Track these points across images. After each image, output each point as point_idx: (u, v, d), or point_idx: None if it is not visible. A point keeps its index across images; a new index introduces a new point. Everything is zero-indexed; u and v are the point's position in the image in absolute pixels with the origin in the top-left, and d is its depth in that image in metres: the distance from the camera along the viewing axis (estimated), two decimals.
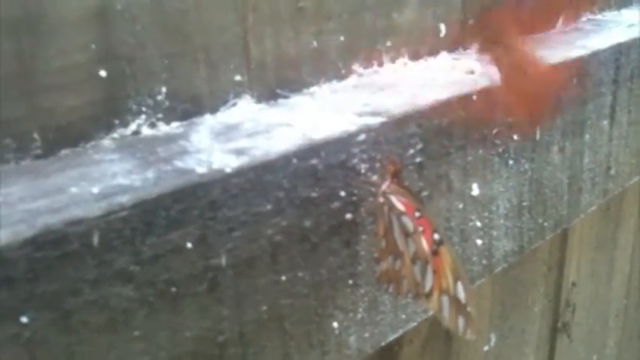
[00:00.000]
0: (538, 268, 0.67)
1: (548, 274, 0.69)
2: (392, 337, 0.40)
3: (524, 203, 0.48)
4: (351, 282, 0.36)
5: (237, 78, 0.38)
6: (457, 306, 0.33)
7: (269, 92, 0.39)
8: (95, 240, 0.26)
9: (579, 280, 0.74)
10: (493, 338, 0.63)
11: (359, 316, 0.37)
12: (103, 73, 0.32)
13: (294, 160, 0.32)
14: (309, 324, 0.35)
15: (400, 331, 0.40)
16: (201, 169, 0.29)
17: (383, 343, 0.39)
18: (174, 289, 0.29)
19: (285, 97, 0.40)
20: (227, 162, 0.30)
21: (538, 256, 0.66)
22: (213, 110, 0.37)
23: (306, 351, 0.35)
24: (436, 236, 0.33)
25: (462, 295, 0.33)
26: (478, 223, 0.44)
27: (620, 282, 0.84)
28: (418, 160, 0.38)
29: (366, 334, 0.38)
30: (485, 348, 0.63)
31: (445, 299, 0.33)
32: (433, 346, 0.56)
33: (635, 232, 0.84)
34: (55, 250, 0.25)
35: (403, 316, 0.40)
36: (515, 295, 0.65)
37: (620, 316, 0.87)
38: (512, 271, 0.62)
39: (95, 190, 0.27)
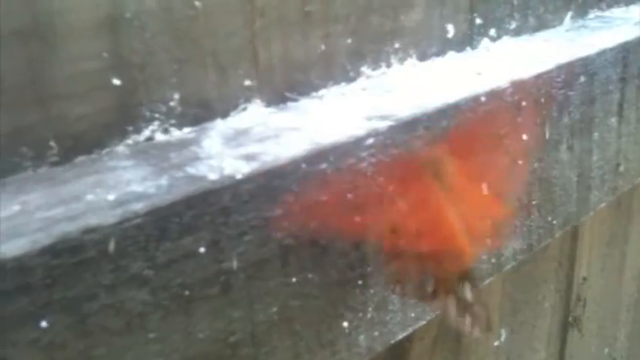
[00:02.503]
0: (549, 263, 0.68)
1: (559, 270, 0.69)
2: (401, 336, 0.40)
3: (534, 202, 0.48)
4: (360, 282, 0.37)
5: (247, 82, 0.38)
6: (464, 305, 0.34)
7: (278, 96, 0.40)
8: (111, 247, 0.27)
9: (590, 275, 0.75)
10: (504, 334, 0.64)
11: (368, 315, 0.38)
12: (115, 81, 0.33)
13: (304, 165, 0.33)
14: (319, 324, 0.35)
15: (410, 330, 0.41)
16: (212, 176, 0.30)
17: (392, 342, 0.40)
18: (187, 293, 0.29)
19: (294, 100, 0.41)
20: (238, 168, 0.31)
21: (549, 252, 0.66)
22: (224, 115, 0.38)
23: (316, 351, 0.36)
24: None
25: (468, 294, 0.34)
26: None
27: (631, 276, 0.84)
28: None
29: (376, 333, 0.39)
30: (496, 343, 0.63)
31: (451, 299, 0.34)
32: (444, 342, 0.56)
33: None
34: (72, 258, 0.26)
35: (412, 315, 0.41)
36: (525, 291, 0.65)
37: (631, 310, 0.87)
38: (522, 267, 0.63)
39: (111, 197, 0.28)
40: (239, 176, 0.30)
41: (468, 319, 0.34)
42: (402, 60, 0.46)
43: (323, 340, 0.36)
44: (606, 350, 0.84)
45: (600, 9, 0.63)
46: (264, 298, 0.33)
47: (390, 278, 0.36)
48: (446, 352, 0.57)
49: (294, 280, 0.34)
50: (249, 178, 0.30)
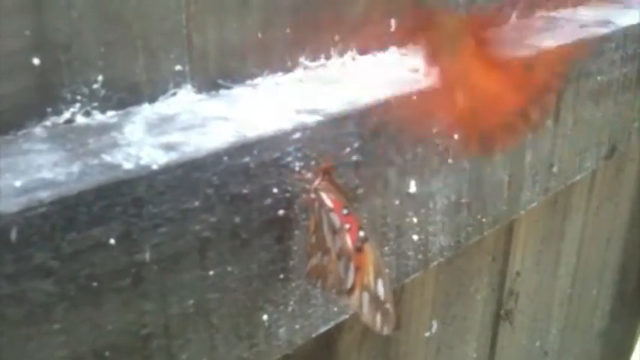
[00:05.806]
0: (483, 257, 0.69)
1: (493, 264, 0.70)
2: (323, 329, 0.41)
3: (463, 200, 0.49)
4: (282, 276, 0.37)
5: (178, 67, 0.37)
6: (376, 302, 0.34)
7: (211, 83, 0.39)
8: (13, 235, 0.26)
9: (524, 270, 0.76)
10: (435, 325, 0.65)
11: (290, 309, 0.38)
12: (36, 61, 0.32)
13: (225, 158, 0.32)
14: (237, 317, 0.35)
15: (332, 324, 0.41)
16: (127, 165, 0.29)
17: (314, 335, 0.40)
18: (95, 284, 0.29)
19: (228, 87, 0.40)
20: (155, 158, 0.30)
21: (483, 247, 0.67)
22: (152, 99, 0.37)
23: (233, 343, 0.35)
24: (361, 233, 0.34)
25: (381, 291, 0.34)
26: (415, 219, 0.45)
27: (565, 272, 0.86)
28: (355, 158, 0.39)
29: (297, 326, 0.39)
30: (427, 334, 0.64)
31: (366, 295, 0.34)
32: (373, 333, 0.57)
33: (582, 225, 0.86)
34: None
35: (335, 309, 0.41)
36: (458, 284, 0.66)
37: (564, 305, 0.89)
38: (456, 260, 0.64)
39: (17, 183, 0.27)
40: (155, 167, 0.30)
41: (378, 317, 0.34)
42: (341, 53, 0.46)
43: (241, 332, 0.36)
44: (538, 343, 0.87)
45: (547, 9, 0.64)
46: (179, 290, 0.32)
47: (312, 272, 0.36)
48: (376, 342, 0.58)
49: (211, 273, 0.33)
50: (165, 170, 0.30)
